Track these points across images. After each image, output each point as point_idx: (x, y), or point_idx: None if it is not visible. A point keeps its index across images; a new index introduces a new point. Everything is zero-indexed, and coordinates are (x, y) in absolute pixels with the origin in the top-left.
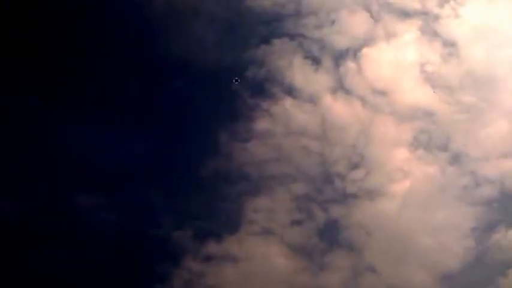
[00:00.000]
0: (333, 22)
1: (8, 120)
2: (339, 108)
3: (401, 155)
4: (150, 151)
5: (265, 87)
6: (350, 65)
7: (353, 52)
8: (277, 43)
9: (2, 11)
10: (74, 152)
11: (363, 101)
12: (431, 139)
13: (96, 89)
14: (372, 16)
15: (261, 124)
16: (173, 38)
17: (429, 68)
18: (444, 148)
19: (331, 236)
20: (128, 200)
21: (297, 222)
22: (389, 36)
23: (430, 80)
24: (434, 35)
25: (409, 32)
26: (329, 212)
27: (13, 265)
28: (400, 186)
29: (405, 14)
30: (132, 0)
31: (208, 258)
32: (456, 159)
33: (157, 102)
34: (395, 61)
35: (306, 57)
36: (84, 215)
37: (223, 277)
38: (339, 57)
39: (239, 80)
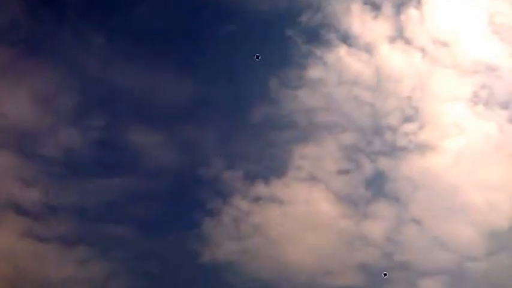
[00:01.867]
0: None
1: (71, 55)
2: (396, 59)
3: (458, 110)
4: (203, 93)
5: (319, 34)
6: (412, 12)
7: None
8: None
9: None
10: (133, 89)
11: (423, 51)
12: (493, 95)
13: (154, 31)
14: None
15: (313, 72)
16: None
17: (499, 19)
18: (505, 106)
19: (377, 186)
20: (182, 139)
21: (343, 171)
22: None
23: (499, 32)
24: None
25: None
26: (377, 164)
27: (78, 193)
28: (454, 142)
29: None
30: None
31: (256, 199)
32: None
33: (211, 46)
34: (461, 10)
35: (365, 3)
36: (142, 150)
37: (269, 217)
38: (401, 4)
39: (259, 57)
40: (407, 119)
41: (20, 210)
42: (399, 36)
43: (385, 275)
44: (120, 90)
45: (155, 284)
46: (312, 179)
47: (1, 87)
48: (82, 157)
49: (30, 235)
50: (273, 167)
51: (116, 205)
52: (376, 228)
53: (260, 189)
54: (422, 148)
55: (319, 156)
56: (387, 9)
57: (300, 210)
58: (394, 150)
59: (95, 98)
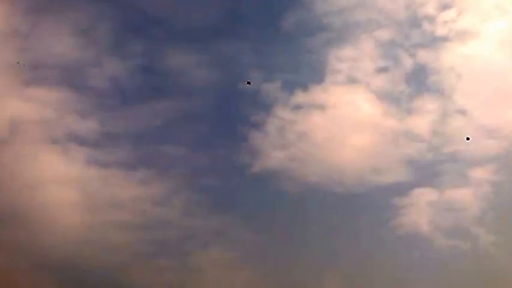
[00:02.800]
0: None
1: None
2: None
3: None
4: (234, 8)
5: None
6: None
7: None
8: None
9: None
10: (167, 13)
11: None
12: None
13: None
14: None
15: None
16: None
17: None
18: None
19: (419, 81)
20: (218, 56)
21: (382, 69)
22: None
23: None
24: None
25: None
26: (417, 57)
27: (129, 119)
28: (496, 26)
29: None
30: None
31: (297, 107)
32: None
33: None
34: None
35: None
36: (182, 71)
37: (312, 123)
38: None
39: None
40: (445, 7)
41: (81, 140)
42: None
43: (467, 139)
44: (153, 14)
45: (213, 195)
46: (351, 81)
47: (42, 26)
48: (127, 84)
49: (93, 162)
50: (310, 74)
51: (166, 126)
52: (420, 122)
53: (300, 97)
54: (463, 35)
55: (356, 56)
56: None
57: (342, 113)
58: (434, 41)
59: (130, 25)
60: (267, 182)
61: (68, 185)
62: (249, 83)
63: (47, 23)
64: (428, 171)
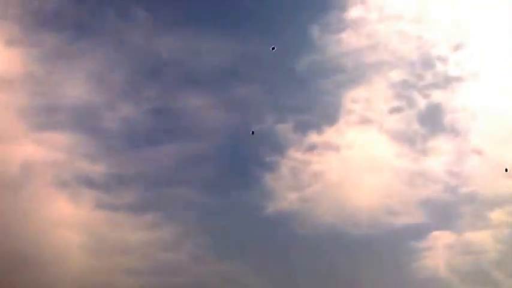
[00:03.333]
0: None
1: (118, 32)
2: None
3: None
4: (248, 51)
5: None
6: None
7: None
8: None
9: None
10: (180, 57)
11: None
12: None
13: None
14: None
15: (354, 12)
16: None
17: None
18: None
19: (434, 121)
20: (232, 99)
21: (396, 110)
22: None
23: None
24: None
25: None
26: (430, 97)
27: (141, 161)
28: (509, 66)
29: None
30: None
31: (311, 148)
32: None
33: (249, 5)
34: None
35: None
36: (195, 113)
37: (327, 164)
38: None
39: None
40: (457, 47)
41: (90, 184)
42: None
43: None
44: (167, 58)
45: (224, 239)
46: (365, 121)
47: (57, 70)
48: (139, 127)
49: (103, 206)
50: (324, 115)
51: (178, 169)
52: (436, 163)
53: (314, 138)
54: (476, 75)
55: (369, 97)
56: None
57: (355, 154)
58: (447, 81)
59: (144, 69)
60: (281, 223)
61: (76, 228)
62: (253, 132)
63: (62, 68)
64: (444, 212)
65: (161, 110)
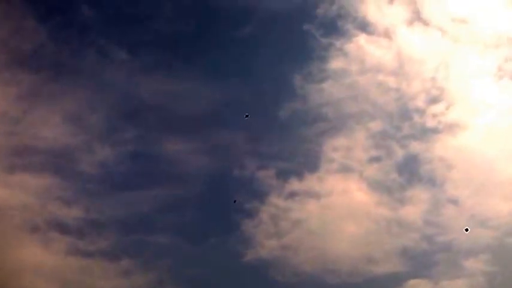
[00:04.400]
0: None
1: (98, 73)
2: (416, 41)
3: (484, 86)
4: (230, 97)
5: (337, 25)
6: None
7: None
8: None
9: None
10: (161, 100)
11: (442, 31)
12: None
13: (174, 41)
14: None
15: (335, 63)
16: None
17: None
18: None
19: (411, 171)
20: (213, 144)
21: (375, 159)
22: None
23: None
24: None
25: None
26: (408, 148)
27: (117, 206)
28: (484, 119)
29: None
30: None
31: (292, 195)
32: None
33: (233, 49)
34: None
35: None
36: (174, 158)
37: (307, 211)
38: None
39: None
40: (434, 100)
41: (64, 229)
42: (416, 18)
43: (466, 230)
44: (147, 101)
45: (204, 287)
46: (345, 169)
47: (34, 111)
48: (117, 171)
49: (75, 252)
50: (305, 162)
51: (155, 214)
52: (413, 212)
53: (295, 185)
54: (453, 128)
55: (349, 146)
56: None
57: (336, 202)
58: (424, 133)
59: (123, 112)
60: (260, 271)
61: (46, 275)
62: (235, 201)
63: (38, 108)
64: (422, 261)
65: (140, 154)
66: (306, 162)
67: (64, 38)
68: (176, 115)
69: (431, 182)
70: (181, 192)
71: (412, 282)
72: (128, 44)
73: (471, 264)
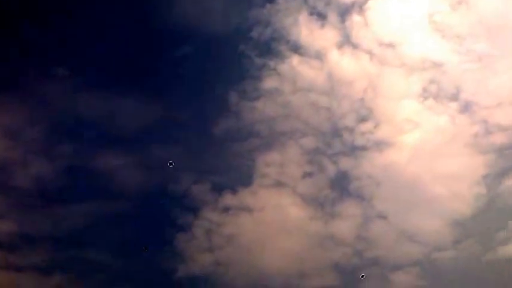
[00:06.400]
0: None
1: (37, 88)
2: (346, 63)
3: (410, 107)
4: (167, 114)
5: (271, 47)
6: (356, 18)
7: (359, 6)
8: (281, 1)
9: None
10: (99, 117)
11: (370, 54)
12: (441, 89)
13: (114, 59)
14: None
15: (269, 83)
16: (177, 6)
17: (438, 18)
18: (454, 98)
19: (342, 186)
20: (149, 159)
21: (308, 175)
22: None
23: (440, 30)
24: None
25: None
26: (339, 164)
27: (50, 221)
28: (410, 137)
29: None
30: None
31: (226, 209)
32: (467, 108)
33: (170, 68)
34: (402, 12)
35: (311, 14)
36: (110, 173)
37: (240, 226)
38: (345, 11)
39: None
40: (363, 119)
41: None
42: (346, 41)
43: (362, 276)
44: (86, 117)
45: None
46: (278, 184)
47: None
48: (52, 185)
49: (6, 266)
50: (239, 177)
51: (89, 230)
52: (344, 227)
53: (228, 199)
54: (380, 145)
55: (283, 162)
56: (332, 17)
57: (269, 216)
58: (354, 150)
59: (61, 127)
60: (192, 287)
61: None
62: (146, 248)
63: None
64: (352, 275)
65: (76, 169)
66: (240, 177)
67: (4, 55)
68: (114, 131)
69: (361, 197)
70: (115, 208)
71: None
72: (68, 61)
73: (399, 277)
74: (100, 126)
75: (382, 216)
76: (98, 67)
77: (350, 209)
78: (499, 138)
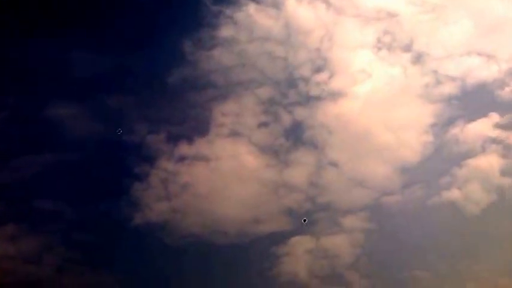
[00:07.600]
0: None
1: None
2: (302, 13)
3: (364, 57)
4: (121, 63)
5: None
6: None
7: None
8: None
9: None
10: (49, 66)
11: (327, 3)
12: (395, 40)
13: (66, 8)
14: None
15: (225, 31)
16: None
17: None
18: (407, 48)
19: (296, 135)
20: (103, 109)
21: (263, 124)
22: None
23: None
24: None
25: None
26: (294, 114)
27: (1, 172)
28: (363, 88)
29: None
30: None
31: (181, 159)
32: (419, 59)
33: (122, 15)
34: None
35: None
36: (61, 123)
37: (196, 175)
38: None
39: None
40: (318, 69)
41: None
42: None
43: (304, 220)
44: (34, 66)
45: (90, 251)
46: (234, 134)
47: None
48: (0, 136)
49: None
50: (195, 127)
51: (41, 180)
52: (298, 174)
53: (184, 149)
54: (334, 95)
55: (239, 112)
56: None
57: (225, 165)
58: (308, 100)
59: (8, 76)
60: (149, 235)
61: None
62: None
63: None
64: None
65: (26, 119)
66: (196, 126)
67: None
68: (64, 80)
69: (314, 146)
70: (69, 158)
71: (295, 238)
72: (16, 6)
73: (350, 221)
74: (49, 75)
75: (334, 164)
76: (46, 14)
77: (303, 157)
78: (447, 89)
